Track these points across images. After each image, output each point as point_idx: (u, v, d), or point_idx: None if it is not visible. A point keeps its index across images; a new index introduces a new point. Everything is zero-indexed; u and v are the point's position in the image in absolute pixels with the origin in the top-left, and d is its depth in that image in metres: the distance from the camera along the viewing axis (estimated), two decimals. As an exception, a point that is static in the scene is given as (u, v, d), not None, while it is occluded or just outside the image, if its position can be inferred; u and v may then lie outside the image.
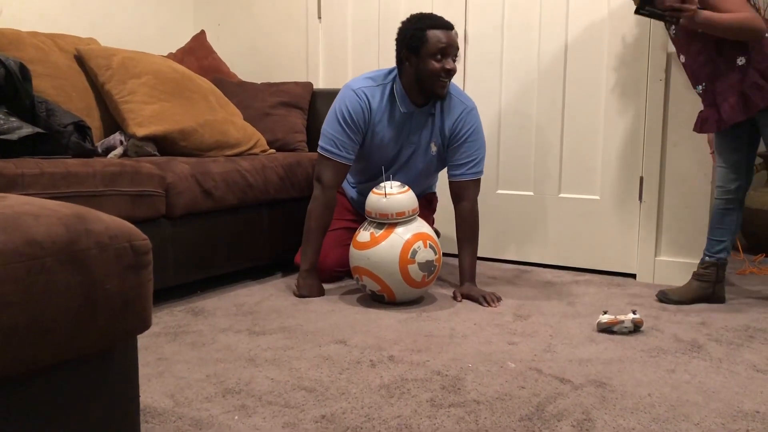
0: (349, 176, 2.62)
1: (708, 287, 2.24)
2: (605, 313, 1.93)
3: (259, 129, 2.84)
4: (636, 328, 1.92)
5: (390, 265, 2.09)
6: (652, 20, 2.49)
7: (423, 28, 2.20)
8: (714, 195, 2.29)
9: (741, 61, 2.03)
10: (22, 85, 1.93)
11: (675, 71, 2.48)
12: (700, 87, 2.15)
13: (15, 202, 0.91)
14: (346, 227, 2.54)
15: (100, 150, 2.33)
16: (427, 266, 2.12)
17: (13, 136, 1.81)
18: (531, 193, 2.84)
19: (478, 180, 2.37)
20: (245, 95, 2.99)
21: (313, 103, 3.06)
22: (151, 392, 1.46)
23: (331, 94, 2.83)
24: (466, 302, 2.24)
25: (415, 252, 2.10)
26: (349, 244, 2.26)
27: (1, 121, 1.83)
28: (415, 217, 2.18)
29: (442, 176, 2.82)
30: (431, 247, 2.15)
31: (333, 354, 1.71)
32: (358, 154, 2.38)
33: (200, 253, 2.24)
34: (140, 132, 2.31)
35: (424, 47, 2.19)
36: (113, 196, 1.91)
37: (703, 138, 2.45)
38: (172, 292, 2.32)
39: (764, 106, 2.01)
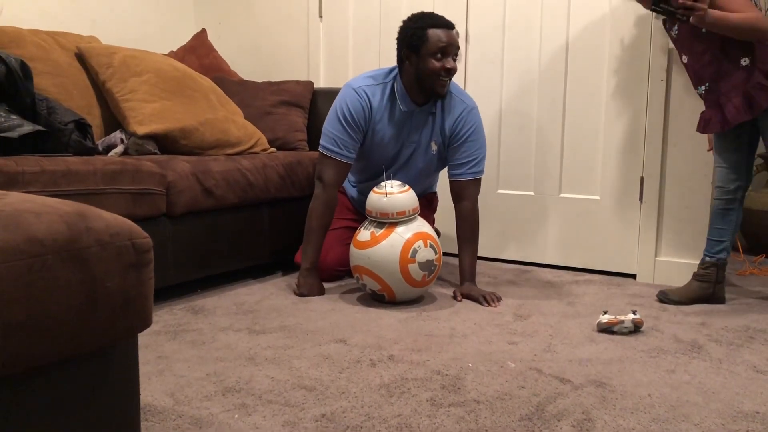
0: (349, 175, 2.62)
1: (708, 288, 2.24)
2: (605, 313, 1.93)
3: (260, 128, 2.84)
4: (636, 328, 1.92)
5: (390, 264, 2.09)
6: (652, 20, 2.49)
7: (424, 27, 2.20)
8: (714, 195, 2.29)
9: (745, 61, 2.03)
10: (23, 83, 1.93)
11: (676, 72, 2.48)
12: (703, 87, 2.15)
13: (16, 199, 0.91)
14: (347, 226, 2.54)
15: (100, 148, 2.33)
16: (427, 265, 2.12)
17: (14, 134, 1.81)
18: (531, 193, 2.84)
19: (479, 180, 2.37)
20: (246, 94, 2.99)
21: (314, 102, 3.06)
22: (151, 391, 1.46)
23: (332, 93, 2.83)
24: (467, 302, 2.24)
25: (415, 251, 2.10)
26: (350, 243, 2.26)
27: (2, 119, 1.83)
28: (415, 217, 2.18)
29: (443, 176, 2.82)
30: (431, 246, 2.15)
31: (333, 353, 1.71)
32: (359, 153, 2.38)
33: (200, 251, 2.24)
34: (141, 130, 2.31)
35: (425, 46, 2.19)
36: (114, 194, 1.91)
37: (704, 138, 2.45)
38: (173, 290, 2.32)
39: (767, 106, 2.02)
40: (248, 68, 3.42)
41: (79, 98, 2.40)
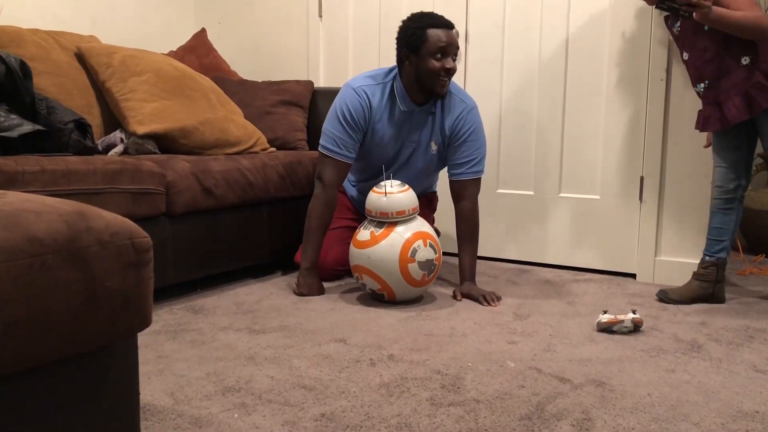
0: (349, 175, 2.62)
1: (708, 287, 2.24)
2: (605, 312, 1.93)
3: (260, 127, 2.84)
4: (636, 327, 1.92)
5: (390, 263, 2.09)
6: (651, 19, 2.49)
7: (423, 27, 2.20)
8: (713, 195, 2.29)
9: (745, 60, 2.03)
10: (23, 82, 1.93)
11: (676, 71, 2.48)
12: (702, 85, 2.15)
13: (15, 199, 0.91)
14: (347, 226, 2.55)
15: (100, 148, 2.33)
16: (427, 265, 2.12)
17: (14, 134, 1.81)
18: (531, 193, 2.84)
19: (479, 179, 2.37)
20: (246, 93, 2.99)
21: (314, 101, 3.06)
22: (150, 390, 1.46)
23: (331, 93, 2.83)
24: (466, 301, 2.24)
25: (415, 251, 2.10)
26: (349, 243, 2.26)
27: (2, 119, 1.83)
28: (415, 216, 2.18)
29: (443, 175, 2.82)
30: (431, 246, 2.15)
31: (333, 353, 1.71)
32: (359, 152, 2.39)
33: (200, 251, 2.24)
34: (141, 130, 2.31)
35: (424, 46, 2.19)
36: (114, 193, 1.91)
37: (703, 137, 2.45)
38: (172, 290, 2.32)
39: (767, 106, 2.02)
40: (248, 68, 3.42)
41: (79, 98, 2.39)
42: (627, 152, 2.63)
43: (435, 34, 2.19)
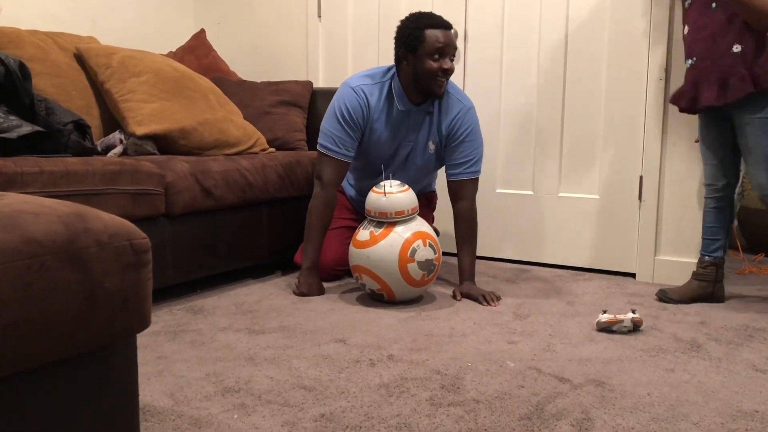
0: (348, 175, 2.62)
1: (707, 286, 2.24)
2: (605, 312, 1.93)
3: (259, 128, 2.84)
4: (635, 327, 1.92)
5: (389, 263, 2.09)
6: (651, 19, 2.49)
7: (421, 27, 2.20)
8: (704, 194, 2.29)
9: (737, 48, 2.02)
10: (22, 83, 1.93)
11: (675, 71, 2.48)
12: (690, 61, 2.14)
13: (14, 200, 0.91)
14: (346, 226, 2.55)
15: (99, 148, 2.33)
16: (426, 265, 2.12)
17: (13, 135, 1.81)
18: (530, 193, 2.84)
19: (476, 179, 2.37)
20: (245, 94, 2.99)
21: (313, 101, 3.06)
22: (150, 391, 1.46)
23: (331, 93, 2.82)
24: (466, 301, 2.24)
25: (414, 251, 2.10)
26: (349, 243, 2.26)
27: (1, 120, 1.83)
28: (414, 216, 2.18)
29: (442, 175, 2.82)
30: (431, 245, 2.15)
31: (332, 353, 1.71)
32: (357, 151, 2.39)
33: (200, 251, 2.24)
34: (140, 131, 2.31)
35: (422, 47, 2.20)
36: (113, 194, 1.91)
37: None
38: (172, 290, 2.32)
39: (741, 96, 2.01)
40: (247, 68, 3.42)
41: (78, 99, 2.39)
42: (626, 152, 2.63)
43: (433, 34, 2.19)
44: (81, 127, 2.06)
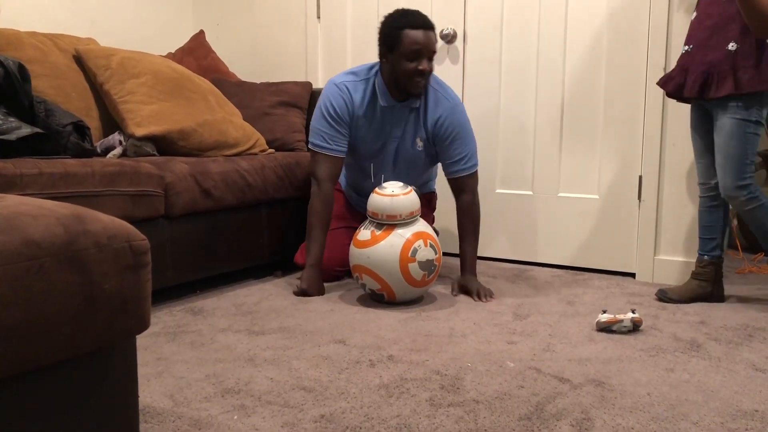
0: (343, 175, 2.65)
1: (707, 286, 2.24)
2: (604, 312, 1.93)
3: (258, 129, 2.84)
4: (635, 327, 1.92)
5: (390, 263, 2.09)
6: (650, 18, 2.49)
7: (399, 27, 2.20)
8: (698, 193, 2.29)
9: (732, 46, 2.01)
10: (21, 85, 1.93)
11: (674, 70, 2.48)
12: (687, 47, 2.13)
13: (13, 202, 0.91)
14: (346, 226, 2.55)
15: (99, 150, 2.33)
16: (427, 265, 2.12)
17: (12, 137, 1.81)
18: (530, 193, 2.84)
19: (475, 172, 2.40)
20: (244, 95, 2.99)
21: (312, 102, 3.05)
22: (150, 392, 1.46)
23: (330, 94, 2.83)
24: (466, 302, 2.24)
25: (415, 251, 2.10)
26: (349, 243, 2.26)
27: (0, 122, 1.83)
28: (417, 219, 2.19)
29: (442, 175, 2.82)
30: (431, 246, 2.15)
31: (332, 354, 1.71)
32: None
33: (199, 252, 2.24)
34: (139, 132, 2.31)
35: (399, 47, 2.21)
36: (112, 196, 1.91)
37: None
38: (172, 291, 2.32)
39: (720, 95, 2.01)
40: (246, 69, 3.42)
41: (78, 100, 2.40)
42: (625, 152, 2.63)
43: (410, 35, 2.19)
44: (80, 129, 2.06)
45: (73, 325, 0.87)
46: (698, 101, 2.15)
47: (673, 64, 2.47)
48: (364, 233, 2.16)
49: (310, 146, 2.38)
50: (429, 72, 2.23)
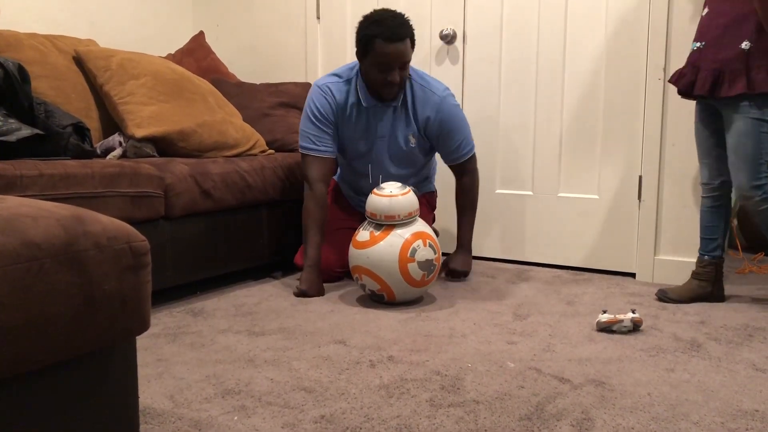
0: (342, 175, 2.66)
1: (707, 286, 2.24)
2: (604, 312, 1.93)
3: (258, 129, 2.84)
4: (635, 327, 1.92)
5: (390, 263, 2.09)
6: (649, 19, 2.49)
7: (371, 35, 2.20)
8: (701, 193, 2.28)
9: (745, 45, 2.00)
10: (21, 86, 1.93)
11: (673, 70, 2.47)
12: (698, 44, 2.11)
13: (13, 203, 0.91)
14: (346, 227, 2.55)
15: (99, 151, 2.33)
16: (426, 265, 2.12)
17: (12, 138, 1.81)
18: (530, 193, 2.84)
19: (473, 155, 2.50)
20: (244, 96, 2.99)
21: (312, 103, 3.05)
22: (150, 393, 1.46)
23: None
24: (466, 302, 2.24)
25: (414, 251, 2.10)
26: (349, 244, 2.26)
27: (0, 123, 1.83)
28: (416, 219, 2.19)
29: (440, 175, 2.83)
30: (431, 246, 2.15)
31: (332, 354, 1.71)
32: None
33: (199, 253, 2.24)
34: (139, 133, 2.31)
35: (370, 55, 2.23)
36: (112, 197, 1.91)
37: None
38: (172, 292, 2.32)
39: (731, 94, 2.00)
40: (246, 70, 3.42)
41: (77, 101, 2.40)
42: (625, 152, 2.63)
43: (380, 46, 2.19)
44: (80, 130, 2.06)
45: (73, 326, 0.87)
46: (707, 100, 2.14)
47: (673, 64, 2.48)
48: (363, 234, 2.17)
49: (300, 150, 2.41)
50: (396, 83, 2.25)
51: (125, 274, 0.94)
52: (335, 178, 2.69)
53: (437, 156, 2.66)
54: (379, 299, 2.20)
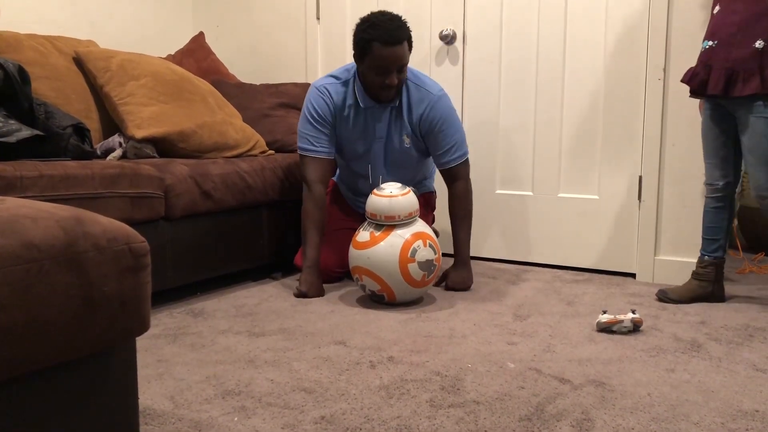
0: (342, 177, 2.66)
1: (707, 286, 2.24)
2: (605, 312, 1.93)
3: (258, 130, 2.84)
4: (635, 327, 1.92)
5: (390, 264, 2.09)
6: (649, 19, 2.49)
7: (369, 39, 2.19)
8: (704, 194, 2.28)
9: (759, 44, 1.98)
10: (21, 87, 1.93)
11: (673, 71, 2.48)
12: (710, 43, 2.09)
13: (12, 204, 0.91)
14: (346, 227, 2.55)
15: (99, 152, 2.33)
16: (426, 265, 2.13)
17: (12, 139, 1.81)
18: (530, 193, 2.84)
19: (465, 160, 2.43)
20: (244, 96, 2.99)
21: (312, 104, 3.05)
22: (150, 394, 1.46)
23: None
24: (466, 302, 2.24)
25: (414, 251, 2.10)
26: (349, 245, 2.26)
27: (1, 124, 1.83)
28: (416, 219, 2.19)
29: (440, 175, 2.82)
30: (431, 246, 2.15)
31: (332, 355, 1.71)
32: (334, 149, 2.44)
33: (199, 254, 2.24)
34: (139, 134, 2.31)
35: (367, 58, 2.22)
36: (112, 198, 1.91)
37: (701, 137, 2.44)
38: (172, 293, 2.32)
39: (745, 93, 1.99)
40: (246, 70, 3.43)
41: (77, 102, 2.40)
42: (625, 152, 2.63)
43: (378, 50, 2.18)
44: (80, 131, 2.06)
45: (72, 328, 0.87)
46: (717, 100, 2.13)
47: (673, 64, 2.48)
48: (363, 234, 2.17)
49: (298, 150, 2.41)
50: (393, 85, 2.24)
51: (125, 275, 0.94)
52: (334, 178, 2.69)
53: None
54: (379, 300, 2.20)
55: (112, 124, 2.47)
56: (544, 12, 2.73)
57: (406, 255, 2.09)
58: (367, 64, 2.22)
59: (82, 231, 0.89)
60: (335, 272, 2.49)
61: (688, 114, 2.46)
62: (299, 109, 3.01)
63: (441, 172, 2.45)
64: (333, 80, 2.38)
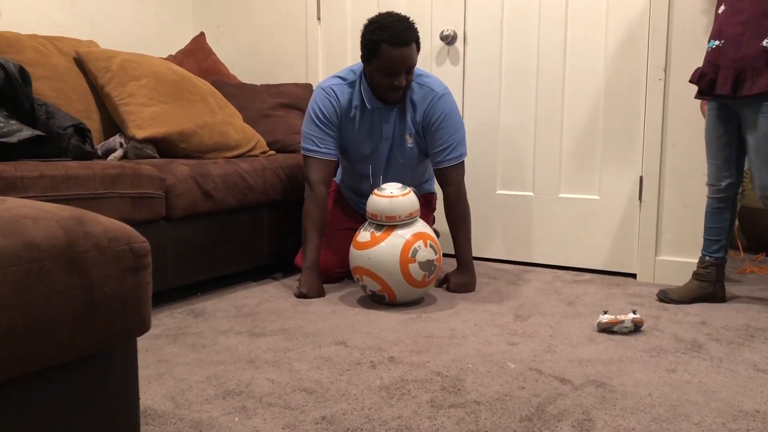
0: (343, 179, 2.65)
1: (708, 287, 2.24)
2: (605, 312, 1.93)
3: (259, 130, 2.84)
4: (636, 327, 1.92)
5: (391, 264, 2.09)
6: (650, 19, 2.49)
7: (378, 40, 2.18)
8: (707, 194, 2.28)
9: (767, 42, 1.98)
10: (22, 88, 1.93)
11: (674, 71, 2.48)
12: (716, 42, 2.08)
13: (13, 205, 0.91)
14: (346, 228, 2.55)
15: (99, 152, 2.33)
16: (427, 265, 2.13)
17: (13, 139, 1.81)
18: (531, 194, 2.84)
19: (460, 163, 2.39)
20: (245, 97, 2.99)
21: (313, 104, 3.05)
22: (151, 394, 1.46)
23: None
24: (466, 302, 2.24)
25: (415, 251, 2.10)
26: (349, 245, 2.26)
27: (1, 124, 1.83)
28: (416, 219, 2.19)
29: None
30: (431, 246, 2.15)
31: (333, 355, 1.71)
32: (339, 150, 2.43)
33: (200, 254, 2.24)
34: (140, 134, 2.31)
35: (375, 60, 2.21)
36: (113, 198, 1.91)
37: (700, 137, 2.44)
38: (173, 293, 2.32)
39: (753, 92, 1.99)
40: (247, 71, 3.43)
41: (78, 103, 2.40)
42: (626, 152, 2.63)
43: (386, 51, 2.18)
44: (81, 131, 2.06)
45: (73, 328, 0.87)
46: (722, 99, 2.12)
47: (673, 65, 2.48)
48: (364, 235, 2.17)
49: (302, 151, 2.40)
50: (402, 86, 2.24)
51: (126, 275, 0.94)
52: (335, 179, 2.69)
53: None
54: (379, 300, 2.20)
55: (112, 124, 2.47)
56: (545, 12, 2.73)
57: (407, 255, 2.09)
58: (375, 66, 2.21)
59: (82, 231, 0.89)
60: (336, 272, 2.49)
61: (689, 114, 2.46)
62: (300, 110, 3.01)
63: (434, 172, 2.43)
64: (339, 81, 2.38)
